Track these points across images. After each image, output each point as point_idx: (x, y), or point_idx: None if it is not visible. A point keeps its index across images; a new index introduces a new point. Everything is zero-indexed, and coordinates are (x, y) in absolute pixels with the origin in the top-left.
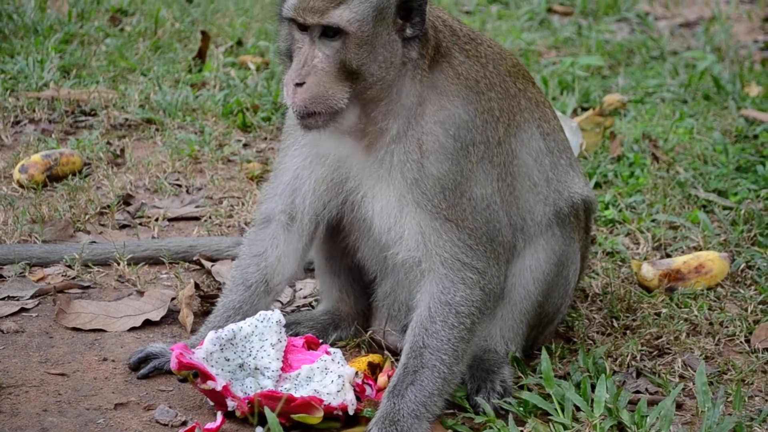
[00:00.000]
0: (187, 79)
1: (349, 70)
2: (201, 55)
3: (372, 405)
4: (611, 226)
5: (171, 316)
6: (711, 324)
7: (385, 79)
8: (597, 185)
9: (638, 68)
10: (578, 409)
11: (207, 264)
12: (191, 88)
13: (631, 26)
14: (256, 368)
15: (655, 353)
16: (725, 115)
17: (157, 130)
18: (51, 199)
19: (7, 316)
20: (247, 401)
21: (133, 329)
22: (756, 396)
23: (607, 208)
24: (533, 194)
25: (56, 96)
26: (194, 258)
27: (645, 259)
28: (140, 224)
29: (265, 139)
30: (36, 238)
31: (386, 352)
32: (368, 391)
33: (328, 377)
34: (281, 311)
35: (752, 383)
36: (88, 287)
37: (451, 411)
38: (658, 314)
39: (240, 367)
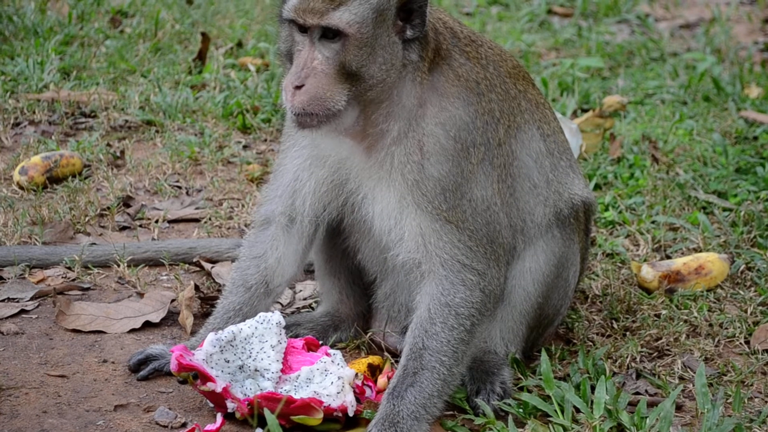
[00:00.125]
0: (187, 80)
1: (348, 71)
2: (201, 56)
3: (372, 406)
4: (611, 227)
5: (171, 318)
6: (711, 325)
7: (386, 81)
8: (597, 187)
9: (638, 70)
10: (578, 410)
11: (207, 266)
12: (191, 89)
13: (631, 28)
14: (255, 370)
15: (654, 355)
16: (725, 117)
17: (157, 131)
18: (51, 200)
19: (7, 318)
20: (246, 403)
21: (132, 331)
22: (756, 397)
23: (607, 209)
24: (533, 195)
25: (56, 98)
26: (194, 260)
27: (645, 260)
28: (140, 226)
29: (265, 140)
30: (36, 239)
31: (386, 353)
32: (368, 392)
33: (328, 379)
34: (281, 313)
35: (752, 384)
36: (88, 289)
37: (451, 412)
38: (658, 316)
39: (240, 368)
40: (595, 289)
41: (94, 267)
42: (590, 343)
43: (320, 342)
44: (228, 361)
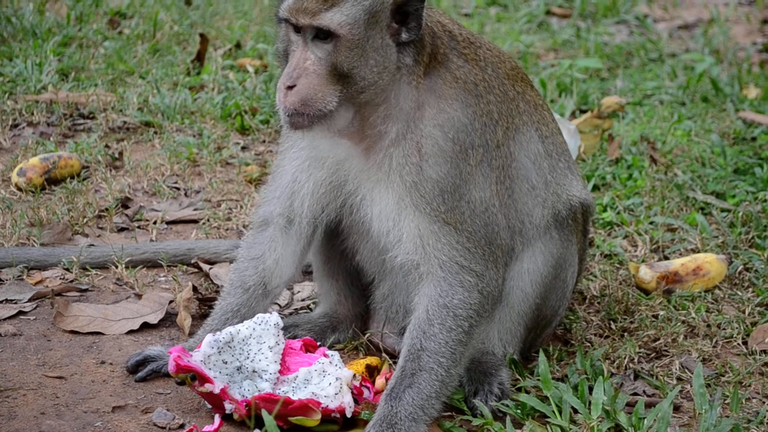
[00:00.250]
0: (185, 82)
1: (340, 72)
2: (199, 58)
3: (370, 408)
4: (609, 228)
5: (169, 319)
6: (708, 326)
7: (378, 84)
8: (595, 187)
9: (637, 70)
10: (576, 411)
11: (205, 267)
12: (190, 91)
13: (629, 28)
14: (253, 371)
15: (652, 355)
16: (723, 118)
17: (155, 133)
18: (49, 202)
19: (4, 319)
20: (244, 404)
21: (131, 332)
22: (753, 398)
23: (605, 210)
24: (531, 197)
25: (55, 99)
26: (192, 261)
27: (643, 261)
28: (138, 227)
29: (264, 142)
30: (34, 241)
31: (384, 354)
32: (366, 393)
33: (326, 380)
34: (279, 314)
35: (749, 385)
36: (86, 290)
37: (449, 413)
38: (656, 316)
39: (238, 369)
40: (593, 290)
41: (93, 268)
42: (588, 344)
43: (318, 343)
44: (226, 363)
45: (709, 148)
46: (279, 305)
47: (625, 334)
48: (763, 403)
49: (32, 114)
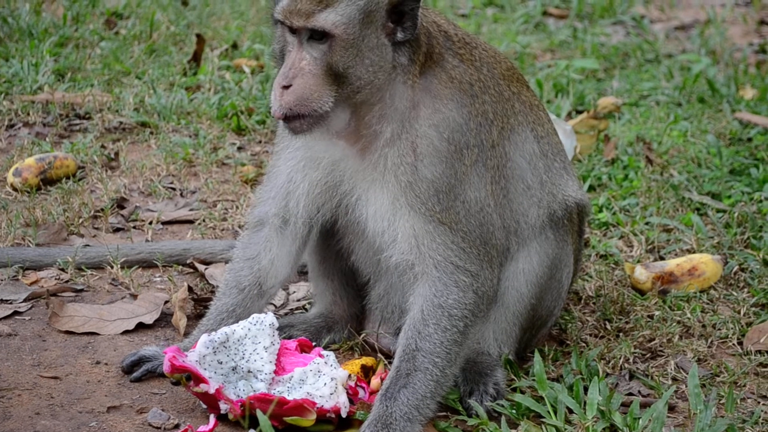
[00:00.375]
0: (181, 82)
1: (335, 72)
2: (196, 58)
3: (365, 408)
4: (605, 228)
5: (164, 319)
6: (704, 326)
7: (373, 83)
8: (591, 188)
9: (633, 71)
10: (571, 411)
11: (200, 267)
12: (186, 91)
13: (626, 29)
14: (249, 371)
15: (647, 356)
16: (719, 118)
17: (151, 133)
18: (45, 202)
19: (0, 320)
20: (239, 404)
21: (126, 332)
22: (748, 398)
23: (600, 210)
24: (527, 197)
25: (51, 99)
26: (188, 261)
27: (638, 261)
28: (134, 227)
29: (260, 142)
30: (29, 241)
31: (379, 354)
32: (361, 393)
33: (321, 380)
34: (274, 314)
35: (744, 385)
36: (81, 290)
37: (444, 413)
38: (651, 317)
39: (233, 370)
40: (588, 291)
41: (88, 268)
42: (583, 344)
43: (313, 343)
44: (221, 363)
45: (705, 148)
46: (274, 305)
47: (621, 334)
48: (758, 403)
49: (28, 114)
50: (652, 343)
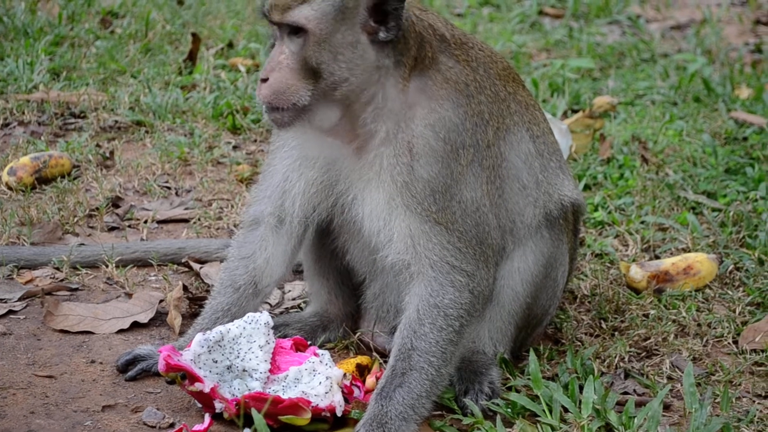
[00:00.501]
0: (177, 81)
1: (310, 67)
2: (191, 57)
3: (360, 407)
4: (600, 227)
5: (159, 318)
6: (699, 325)
7: (350, 81)
8: (586, 187)
9: (629, 70)
10: (566, 410)
11: (195, 266)
12: (181, 90)
13: (622, 29)
14: (244, 370)
15: (643, 354)
16: (715, 118)
17: (146, 132)
18: (39, 201)
19: None
20: (234, 403)
21: (121, 331)
22: (744, 397)
23: (596, 209)
24: (523, 197)
25: (46, 98)
26: (183, 260)
27: (633, 260)
28: (129, 226)
29: (255, 141)
30: (24, 240)
31: (375, 353)
32: (356, 392)
33: (316, 379)
34: (269, 313)
35: (740, 384)
36: (76, 289)
37: (440, 412)
38: (647, 316)
39: (228, 368)
40: (583, 289)
41: (83, 267)
42: (579, 343)
43: (309, 342)
44: (216, 362)
45: (700, 147)
46: (269, 304)
47: (616, 333)
48: (754, 402)
49: (23, 113)
50: (648, 342)
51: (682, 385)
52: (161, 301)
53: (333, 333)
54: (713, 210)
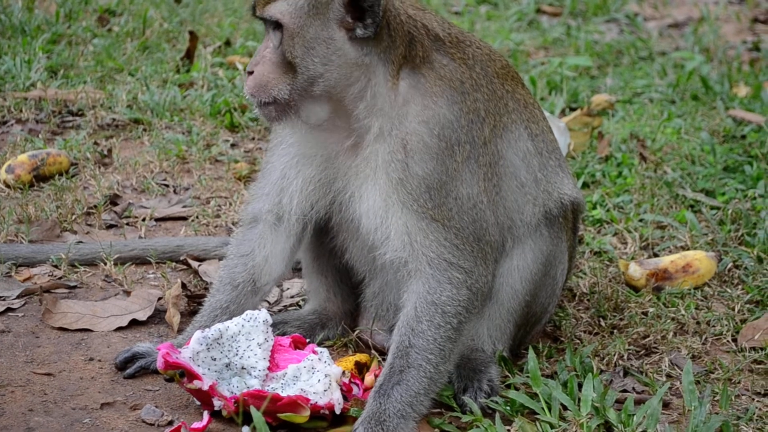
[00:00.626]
0: (174, 79)
1: (287, 61)
2: (189, 55)
3: (359, 404)
4: (599, 225)
5: (158, 316)
6: (698, 323)
7: (326, 77)
8: (585, 185)
9: (627, 69)
10: (565, 408)
11: (194, 264)
12: (179, 88)
13: (620, 27)
14: (242, 368)
15: (642, 352)
16: (713, 116)
17: (144, 130)
18: (38, 199)
19: None
20: (233, 401)
21: (119, 329)
22: (743, 395)
23: (594, 207)
24: (521, 194)
25: (43, 96)
26: (181, 258)
27: (632, 258)
28: (127, 224)
29: (253, 139)
30: (22, 238)
31: (373, 351)
32: (355, 390)
33: (315, 376)
34: (268, 311)
35: (739, 382)
36: (74, 287)
37: (438, 410)
38: (646, 313)
39: (226, 366)
40: (582, 287)
41: (81, 265)
42: (578, 341)
43: (307, 340)
44: (215, 359)
45: (698, 145)
46: (268, 302)
47: (615, 331)
48: (753, 400)
49: (21, 111)
50: (647, 339)
51: (681, 383)
52: (160, 298)
53: (331, 331)
54: (712, 208)
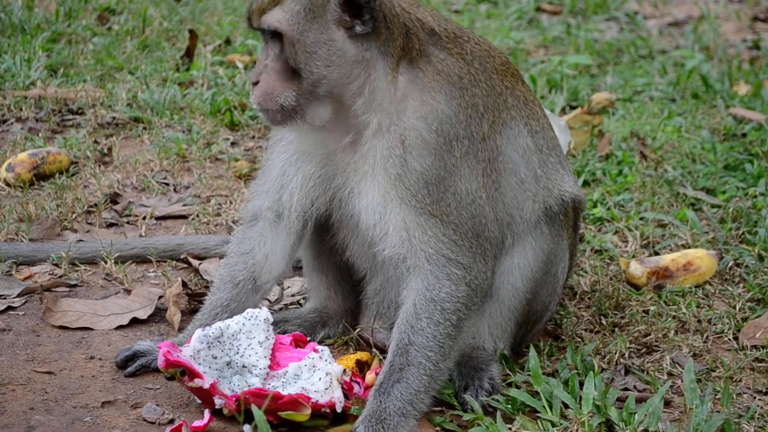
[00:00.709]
0: (174, 77)
1: (291, 68)
2: (189, 53)
3: (360, 403)
4: (599, 224)
5: (158, 315)
6: (699, 321)
7: (330, 78)
8: (585, 183)
9: (627, 67)
10: (566, 406)
11: (194, 262)
12: (179, 86)
13: (620, 25)
14: (243, 366)
15: (643, 351)
16: (714, 114)
17: (144, 128)
18: (38, 197)
19: None
20: (234, 399)
21: (120, 327)
22: (744, 393)
23: (595, 206)
24: (521, 191)
25: (43, 95)
26: (182, 256)
27: (633, 257)
28: (128, 223)
29: (253, 137)
30: (23, 236)
31: (374, 349)
32: (356, 388)
33: (316, 375)
34: (269, 309)
35: (740, 380)
36: (75, 286)
37: (440, 408)
38: (647, 312)
39: (227, 365)
40: (583, 286)
41: (81, 264)
42: (579, 339)
43: (308, 338)
44: (215, 358)
45: (699, 144)
46: (269, 300)
47: (616, 329)
48: (754, 398)
49: (21, 109)
50: (648, 338)
51: (682, 382)
52: (160, 297)
53: (332, 329)
54: (713, 206)
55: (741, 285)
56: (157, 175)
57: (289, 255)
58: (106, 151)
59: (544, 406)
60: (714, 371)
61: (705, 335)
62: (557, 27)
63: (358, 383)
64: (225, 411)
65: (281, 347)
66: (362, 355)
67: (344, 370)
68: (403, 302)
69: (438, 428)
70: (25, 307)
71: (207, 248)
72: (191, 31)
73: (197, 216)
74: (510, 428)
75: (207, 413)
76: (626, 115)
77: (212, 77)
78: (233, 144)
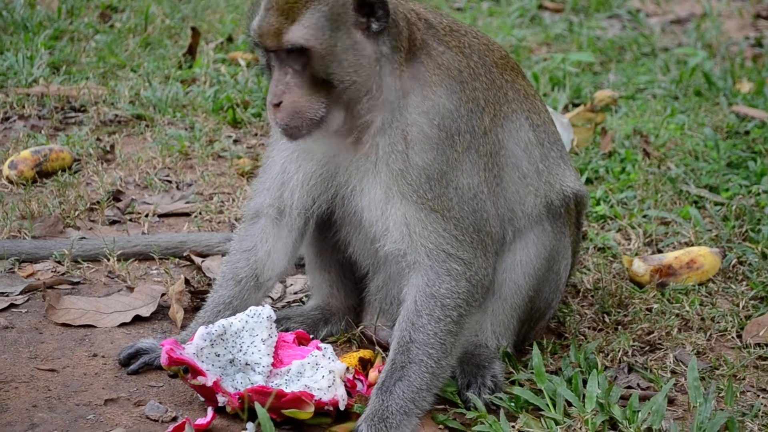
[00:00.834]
0: (177, 75)
1: (320, 80)
2: (191, 51)
3: (362, 401)
4: (602, 221)
5: (161, 312)
6: (702, 319)
7: (358, 81)
8: (588, 181)
9: (629, 64)
10: (570, 404)
11: (197, 260)
12: (181, 84)
13: (622, 23)
14: (246, 364)
15: (646, 348)
16: (716, 111)
17: (147, 126)
18: (40, 195)
19: None
20: (237, 397)
21: (123, 325)
22: (748, 391)
23: (598, 203)
24: (522, 185)
25: (46, 92)
26: (184, 254)
27: (636, 254)
28: (130, 220)
29: (256, 135)
30: (25, 234)
31: (377, 347)
32: (359, 386)
33: (319, 373)
34: (272, 307)
35: (744, 378)
36: (77, 283)
37: (442, 406)
38: (650, 310)
39: (230, 362)
40: (586, 283)
41: (84, 261)
42: (582, 337)
43: (311, 336)
44: (218, 355)
45: (702, 141)
46: (272, 298)
47: (619, 327)
48: (758, 396)
49: (23, 107)
50: (651, 336)
51: (686, 380)
52: (163, 294)
53: (335, 326)
54: (716, 204)
55: (744, 283)
56: (159, 173)
57: (291, 252)
58: (108, 148)
59: (547, 404)
60: (717, 369)
61: (708, 333)
62: (559, 24)
63: (361, 381)
64: (228, 409)
65: (284, 345)
66: (365, 353)
67: (347, 368)
68: (404, 299)
69: (441, 426)
70: (27, 304)
71: (210, 246)
72: (193, 29)
73: (200, 213)
74: (513, 426)
75: (210, 411)
76: (629, 112)
77: (215, 75)
78: (236, 141)
